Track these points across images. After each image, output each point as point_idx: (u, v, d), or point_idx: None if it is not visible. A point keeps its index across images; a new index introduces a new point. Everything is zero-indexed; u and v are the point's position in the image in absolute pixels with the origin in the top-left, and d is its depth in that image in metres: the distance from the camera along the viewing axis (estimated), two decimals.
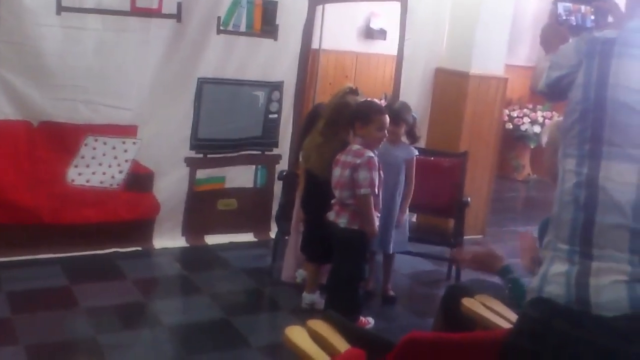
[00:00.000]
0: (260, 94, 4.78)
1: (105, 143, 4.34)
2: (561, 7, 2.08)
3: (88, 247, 4.31)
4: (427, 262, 4.76)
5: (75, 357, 3.26)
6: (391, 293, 4.14)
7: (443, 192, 4.51)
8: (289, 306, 3.89)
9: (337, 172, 3.50)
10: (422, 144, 5.39)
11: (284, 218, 4.31)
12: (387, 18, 6.23)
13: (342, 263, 3.52)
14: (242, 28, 4.60)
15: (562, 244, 1.65)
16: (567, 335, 1.58)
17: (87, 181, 4.33)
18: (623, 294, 1.54)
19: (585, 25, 2.06)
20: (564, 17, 2.09)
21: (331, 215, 3.55)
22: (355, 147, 3.48)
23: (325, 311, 2.22)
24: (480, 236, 5.39)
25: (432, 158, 4.70)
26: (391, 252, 4.06)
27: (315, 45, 5.82)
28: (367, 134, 3.48)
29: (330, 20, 5.90)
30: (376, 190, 3.44)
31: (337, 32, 6.19)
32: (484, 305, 2.36)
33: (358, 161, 3.40)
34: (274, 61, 4.76)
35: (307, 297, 3.83)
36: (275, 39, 4.73)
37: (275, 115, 4.87)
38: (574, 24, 2.09)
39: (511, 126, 7.57)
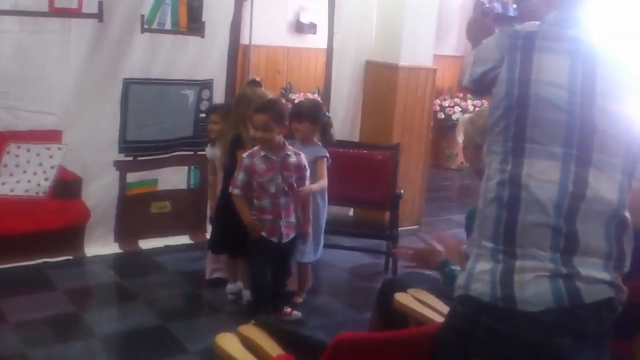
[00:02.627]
0: (190, 93, 4.70)
1: (28, 150, 4.18)
2: None
3: (16, 259, 4.15)
4: (365, 255, 4.78)
5: None
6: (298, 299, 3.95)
7: (377, 185, 4.55)
8: (227, 309, 3.85)
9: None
10: (355, 137, 5.43)
11: None
12: (316, 12, 6.23)
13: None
14: (167, 26, 4.50)
15: (486, 241, 1.66)
16: (493, 330, 1.60)
17: (12, 190, 4.16)
18: (546, 288, 1.56)
19: (508, 13, 2.03)
20: (487, 5, 2.06)
21: None
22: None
23: (257, 316, 2.19)
24: (416, 226, 5.45)
25: (365, 151, 4.73)
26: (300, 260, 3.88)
27: (245, 40, 5.77)
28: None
29: (260, 15, 5.86)
30: (236, 190, 3.44)
31: (267, 27, 6.16)
32: (417, 299, 2.37)
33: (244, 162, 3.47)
34: (202, 59, 4.68)
35: (230, 288, 3.86)
36: (202, 36, 4.64)
37: (204, 115, 4.79)
38: (499, 11, 2.07)
39: (443, 116, 7.70)
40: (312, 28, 6.47)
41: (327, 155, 3.86)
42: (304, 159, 3.53)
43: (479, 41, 1.96)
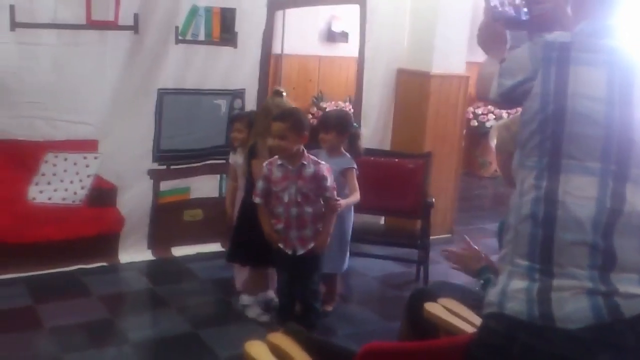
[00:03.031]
0: (222, 103, 4.75)
1: (66, 159, 4.28)
2: (496, 1, 1.94)
3: (52, 265, 4.24)
4: (396, 264, 4.76)
5: None
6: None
7: (408, 193, 4.53)
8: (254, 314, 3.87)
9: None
10: (386, 145, 5.42)
11: None
12: (348, 21, 6.23)
13: None
14: (201, 37, 4.57)
15: (520, 259, 1.62)
16: (531, 347, 1.56)
17: (49, 199, 4.26)
18: (585, 304, 1.53)
19: (521, 17, 1.93)
20: (499, 9, 1.95)
21: None
22: None
23: (286, 324, 2.20)
24: (448, 235, 5.42)
25: (397, 160, 4.72)
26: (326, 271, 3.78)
27: (277, 50, 5.81)
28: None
29: (292, 24, 5.89)
30: (257, 199, 3.43)
31: (299, 37, 6.18)
32: (447, 309, 2.36)
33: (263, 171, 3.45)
34: (234, 69, 4.74)
35: (245, 299, 3.87)
36: (235, 46, 4.70)
37: None
38: (511, 15, 1.95)
39: (476, 123, 7.63)
40: (343, 37, 6.48)
41: (355, 166, 3.79)
42: (323, 169, 3.37)
43: (490, 47, 1.93)
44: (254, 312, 3.82)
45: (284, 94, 3.81)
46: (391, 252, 4.69)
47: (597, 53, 1.63)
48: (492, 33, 1.95)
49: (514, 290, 1.60)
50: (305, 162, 3.36)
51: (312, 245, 3.42)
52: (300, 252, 3.42)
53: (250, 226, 3.58)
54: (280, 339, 2.04)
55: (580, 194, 1.57)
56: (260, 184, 3.42)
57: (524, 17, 1.91)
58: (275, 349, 2.01)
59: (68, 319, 3.71)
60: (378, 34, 5.27)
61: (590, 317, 1.53)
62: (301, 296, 3.54)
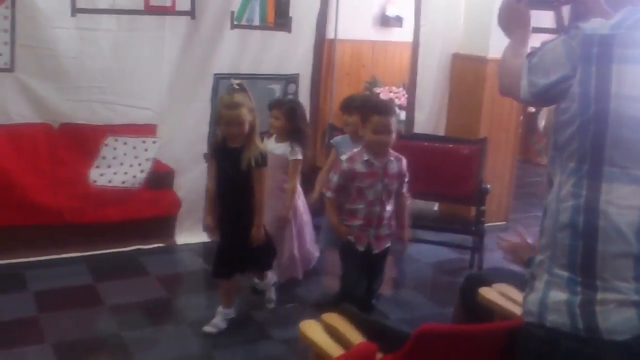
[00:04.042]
0: (276, 87, 4.79)
1: (125, 143, 4.39)
2: None
3: (112, 245, 4.37)
4: (450, 250, 4.73)
5: (100, 354, 3.31)
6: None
7: (463, 179, 4.49)
8: (311, 299, 3.91)
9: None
10: (441, 131, 5.37)
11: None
12: (402, 5, 6.15)
13: None
14: (256, 22, 4.61)
15: (559, 269, 1.53)
16: (576, 352, 1.50)
17: (110, 181, 4.38)
18: (632, 314, 1.47)
19: None
20: None
21: None
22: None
23: (340, 304, 2.21)
24: (503, 223, 5.34)
25: (451, 145, 4.68)
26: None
27: (331, 35, 5.80)
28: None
29: (346, 9, 5.86)
30: (329, 192, 3.26)
31: (353, 21, 6.13)
32: (502, 294, 2.34)
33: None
34: (288, 54, 4.77)
35: (225, 312, 3.57)
36: (289, 31, 4.73)
37: None
38: None
39: (533, 109, 7.46)
40: (398, 21, 6.40)
41: None
42: (404, 165, 3.25)
43: (512, 30, 1.76)
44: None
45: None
46: (445, 238, 4.65)
47: None
48: (515, 13, 1.77)
49: (554, 302, 1.52)
50: (391, 158, 3.22)
51: (388, 244, 3.33)
52: (376, 251, 3.28)
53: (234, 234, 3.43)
54: (334, 319, 2.06)
55: (623, 203, 1.47)
56: (337, 179, 3.22)
57: None
58: (329, 329, 2.03)
59: (127, 297, 3.82)
60: (433, 18, 5.21)
61: (638, 326, 1.47)
62: (370, 290, 3.40)
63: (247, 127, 3.34)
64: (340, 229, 3.27)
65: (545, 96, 1.60)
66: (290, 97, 4.72)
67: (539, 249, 1.64)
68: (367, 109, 3.27)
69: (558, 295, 1.52)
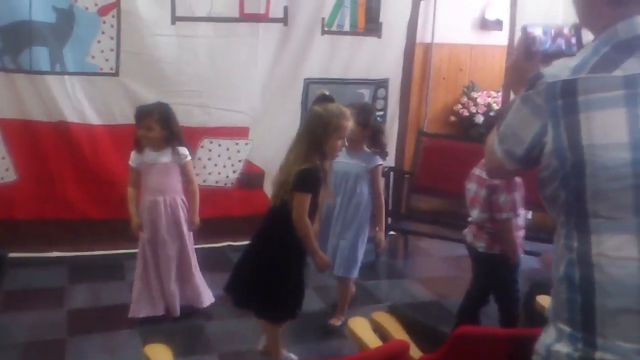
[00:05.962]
0: (366, 92, 4.87)
1: (219, 145, 4.62)
2: (539, 30, 1.63)
3: (204, 241, 4.58)
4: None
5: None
6: (335, 323, 3.67)
7: None
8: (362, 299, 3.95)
9: (472, 187, 3.20)
10: None
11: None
12: (503, 8, 6.05)
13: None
14: (346, 27, 4.71)
15: (562, 324, 1.46)
16: None
17: (204, 181, 4.62)
18: None
19: (572, 51, 1.58)
20: (539, 38, 1.63)
21: (468, 237, 3.31)
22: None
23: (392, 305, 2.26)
24: None
25: None
26: (337, 274, 3.67)
27: (427, 39, 5.80)
28: None
29: (443, 12, 5.84)
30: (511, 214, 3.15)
31: (451, 25, 6.09)
32: None
33: (497, 182, 3.03)
34: (378, 59, 4.83)
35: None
36: (379, 36, 4.79)
37: (381, 112, 4.93)
38: (562, 48, 1.61)
39: None
40: (497, 25, 6.29)
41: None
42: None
43: (520, 90, 1.57)
44: None
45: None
46: (539, 249, 4.52)
47: (610, 90, 1.37)
48: (524, 72, 1.59)
49: (557, 352, 1.45)
50: None
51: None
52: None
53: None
54: (383, 317, 2.12)
55: (617, 254, 1.36)
56: (504, 197, 3.12)
57: (570, 48, 1.60)
58: (377, 326, 2.09)
59: (219, 291, 4.00)
60: (529, 21, 5.07)
61: None
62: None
63: None
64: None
65: (528, 162, 1.51)
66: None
67: (551, 294, 1.56)
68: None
69: (562, 347, 1.45)
